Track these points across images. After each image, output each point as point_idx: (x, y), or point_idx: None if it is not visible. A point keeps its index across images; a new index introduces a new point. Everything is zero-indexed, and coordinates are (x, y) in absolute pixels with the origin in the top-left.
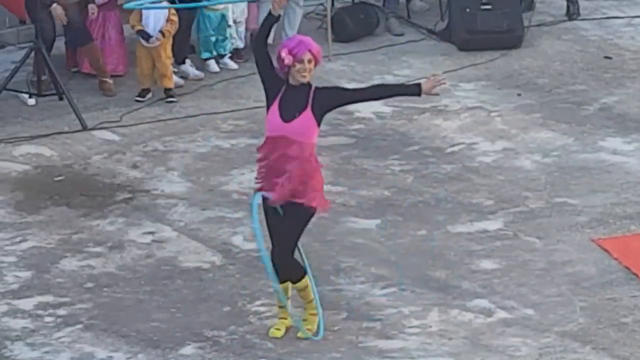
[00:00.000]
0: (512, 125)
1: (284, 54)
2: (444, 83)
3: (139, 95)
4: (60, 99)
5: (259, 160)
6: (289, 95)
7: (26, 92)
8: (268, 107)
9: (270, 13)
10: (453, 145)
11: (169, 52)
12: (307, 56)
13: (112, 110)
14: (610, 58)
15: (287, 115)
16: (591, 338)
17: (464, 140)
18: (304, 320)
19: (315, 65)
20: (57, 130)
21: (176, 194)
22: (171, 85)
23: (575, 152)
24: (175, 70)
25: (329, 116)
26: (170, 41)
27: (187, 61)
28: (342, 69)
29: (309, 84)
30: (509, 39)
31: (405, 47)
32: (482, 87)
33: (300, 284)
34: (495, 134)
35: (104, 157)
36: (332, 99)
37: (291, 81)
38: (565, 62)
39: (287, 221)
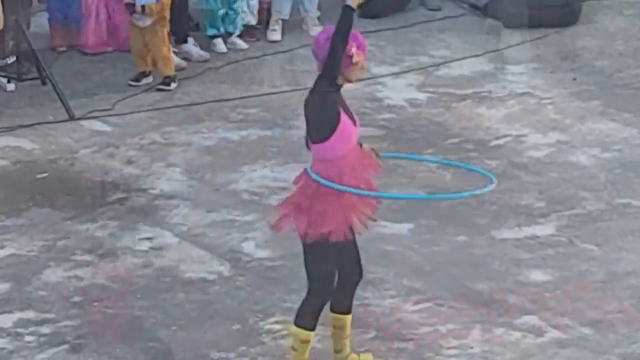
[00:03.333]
0: (566, 114)
1: (354, 50)
2: None
3: (134, 80)
4: (44, 83)
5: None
6: (341, 99)
7: (4, 76)
8: (338, 120)
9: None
10: (498, 138)
11: (164, 38)
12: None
13: (104, 97)
14: None
15: (353, 120)
16: None
17: (511, 131)
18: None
19: None
20: (39, 120)
21: (177, 194)
22: (169, 73)
23: None
24: (176, 50)
25: (356, 105)
26: (167, 25)
27: (190, 40)
28: (370, 49)
29: None
30: (563, 15)
31: (444, 23)
32: (532, 70)
33: (350, 317)
34: (547, 124)
35: (93, 151)
36: None
37: (340, 82)
38: (628, 41)
39: (354, 241)
